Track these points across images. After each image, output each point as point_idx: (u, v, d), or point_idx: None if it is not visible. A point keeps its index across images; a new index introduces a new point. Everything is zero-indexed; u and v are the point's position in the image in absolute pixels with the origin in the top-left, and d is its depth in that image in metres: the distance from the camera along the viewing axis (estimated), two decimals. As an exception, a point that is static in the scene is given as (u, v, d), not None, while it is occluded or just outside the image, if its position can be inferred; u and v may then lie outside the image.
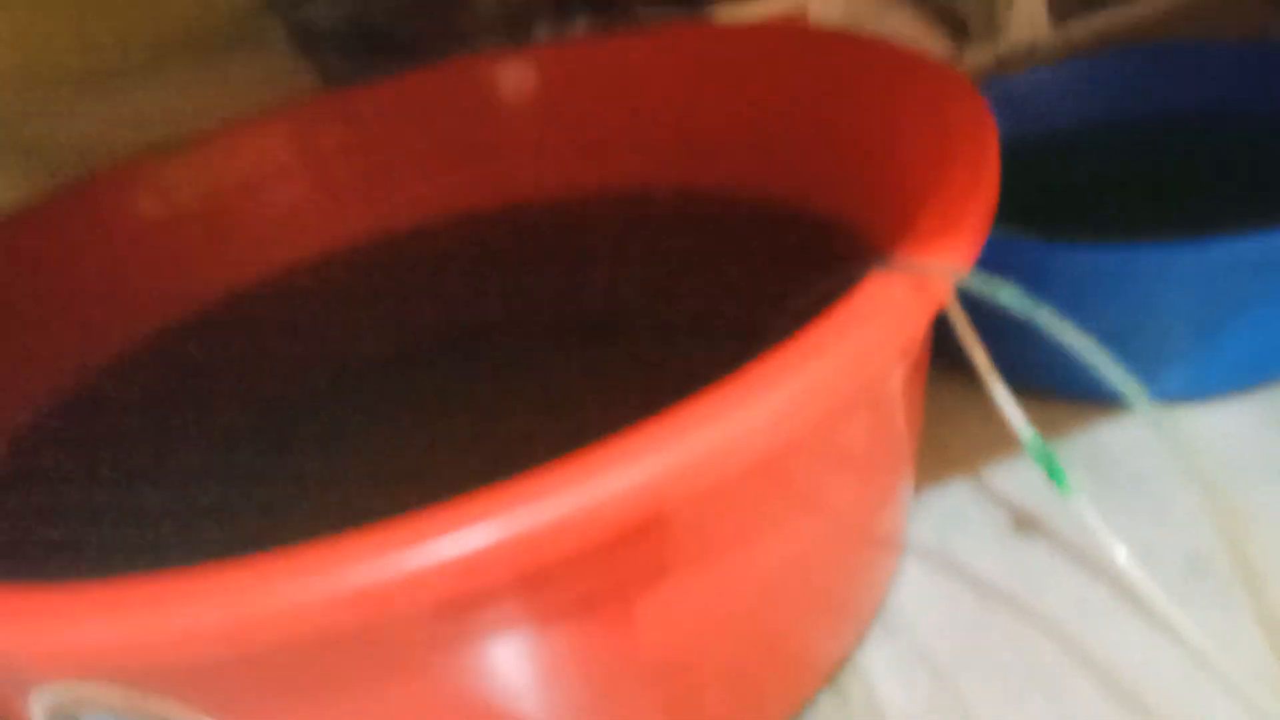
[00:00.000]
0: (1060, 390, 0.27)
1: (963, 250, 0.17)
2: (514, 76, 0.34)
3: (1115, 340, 0.26)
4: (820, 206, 0.28)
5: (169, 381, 0.31)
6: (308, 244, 0.34)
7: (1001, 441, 0.26)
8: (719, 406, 0.15)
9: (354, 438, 0.28)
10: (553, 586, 0.16)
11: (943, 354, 0.22)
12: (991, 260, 0.21)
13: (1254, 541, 0.23)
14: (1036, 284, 0.25)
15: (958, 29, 0.42)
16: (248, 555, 0.14)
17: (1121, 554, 0.21)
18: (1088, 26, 0.44)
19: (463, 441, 0.27)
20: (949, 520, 0.25)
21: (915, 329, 0.17)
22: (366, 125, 0.34)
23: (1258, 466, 0.25)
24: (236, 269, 0.34)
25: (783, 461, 0.18)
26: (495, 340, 0.31)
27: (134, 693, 0.15)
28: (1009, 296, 0.16)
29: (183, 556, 0.15)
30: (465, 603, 0.16)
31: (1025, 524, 0.25)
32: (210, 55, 0.45)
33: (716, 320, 0.29)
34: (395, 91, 0.34)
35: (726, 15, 0.40)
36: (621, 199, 0.33)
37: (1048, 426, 0.27)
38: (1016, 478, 0.26)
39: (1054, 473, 0.21)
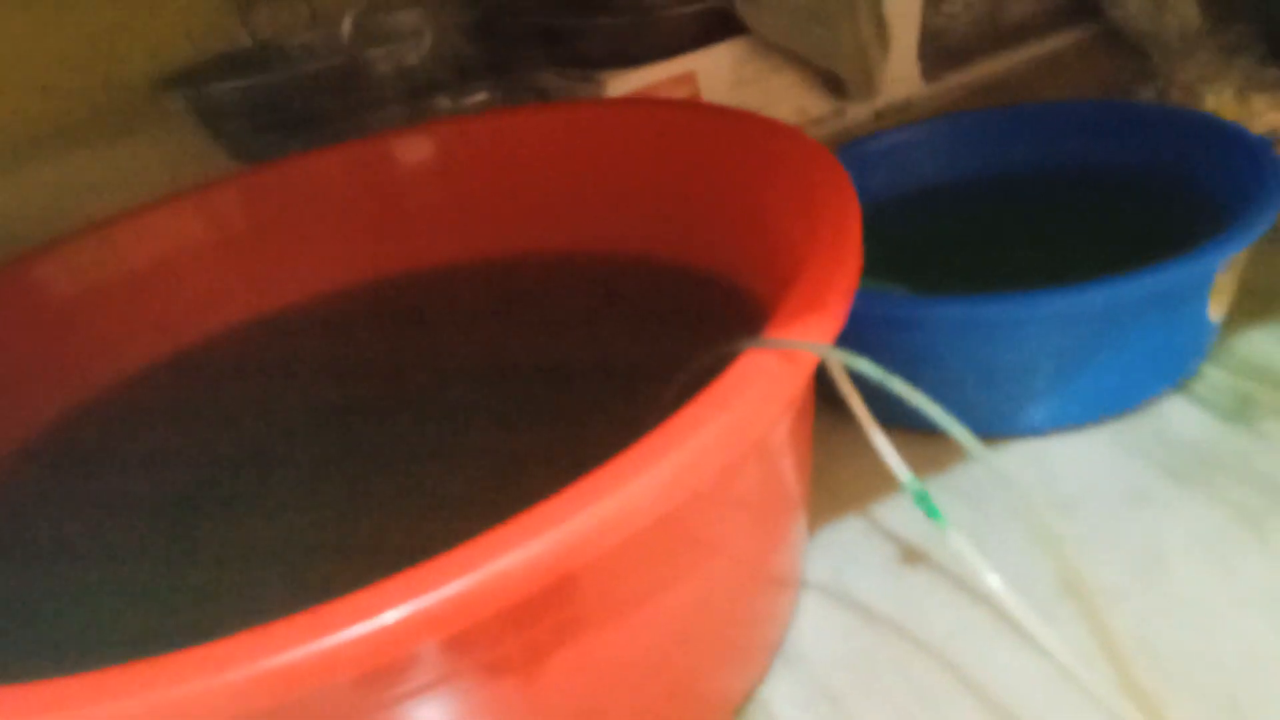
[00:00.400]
0: (939, 427, 0.29)
1: (828, 326, 0.19)
2: (416, 152, 0.35)
3: (983, 380, 0.28)
4: (702, 265, 0.30)
5: (84, 459, 0.32)
6: (222, 317, 0.35)
7: (888, 479, 0.28)
8: (611, 483, 0.16)
9: (275, 505, 0.29)
10: (466, 652, 0.18)
11: (833, 400, 0.24)
12: (867, 312, 0.23)
13: (1102, 561, 0.25)
14: (908, 333, 0.28)
15: (837, 89, 0.45)
16: (174, 648, 0.15)
17: (993, 580, 0.23)
18: (957, 81, 0.48)
19: (381, 499, 0.28)
20: (842, 555, 0.27)
21: (788, 396, 0.19)
22: (275, 202, 0.35)
23: (1112, 490, 0.27)
24: (152, 344, 0.34)
25: (679, 520, 0.19)
26: (395, 405, 0.32)
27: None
28: (866, 366, 0.18)
29: (106, 637, 0.16)
30: (383, 674, 0.17)
31: (912, 556, 0.27)
32: (118, 131, 0.45)
33: (618, 369, 0.30)
34: (303, 169, 0.35)
35: (618, 82, 0.42)
36: (522, 263, 0.34)
37: (931, 462, 0.29)
38: (903, 513, 0.28)
39: (930, 510, 0.23)
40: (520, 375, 0.31)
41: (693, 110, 0.32)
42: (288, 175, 0.35)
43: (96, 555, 0.27)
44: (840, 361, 0.21)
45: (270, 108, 0.44)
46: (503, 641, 0.18)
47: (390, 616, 0.15)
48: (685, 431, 0.17)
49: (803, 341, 0.18)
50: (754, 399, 0.18)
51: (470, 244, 0.35)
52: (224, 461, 0.31)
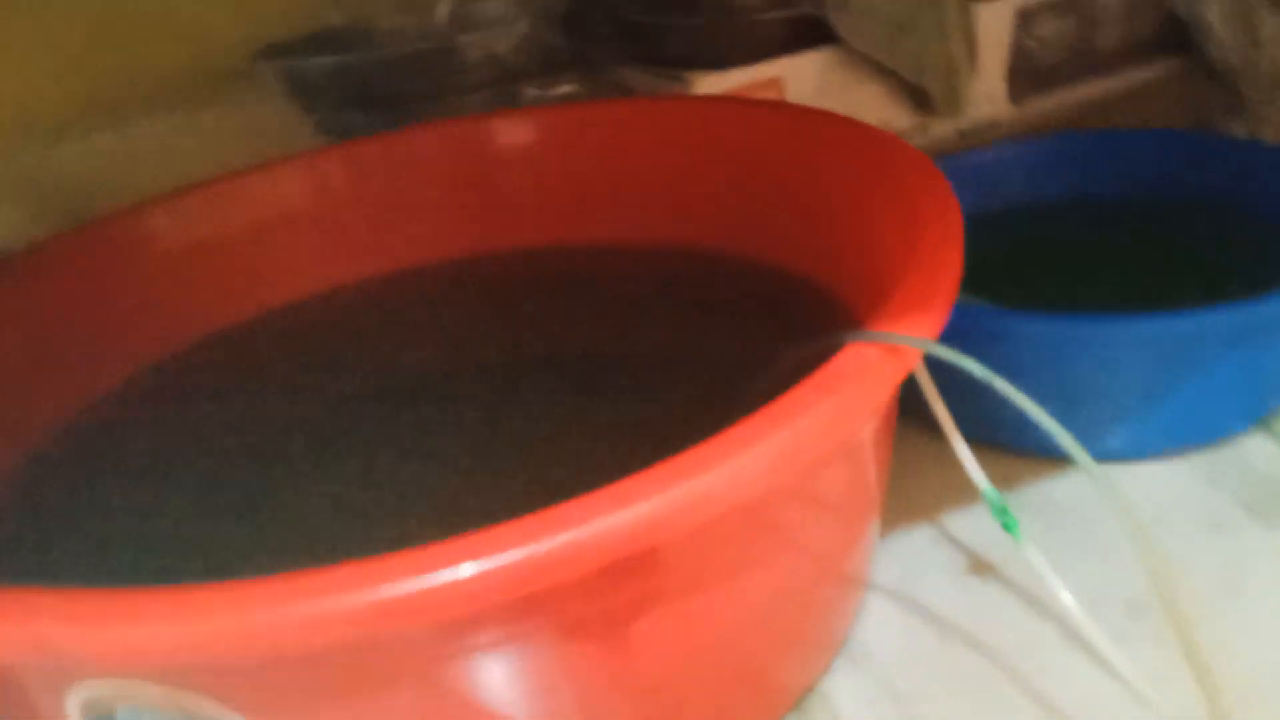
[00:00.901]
0: (1016, 445, 0.29)
1: (932, 323, 0.19)
2: (512, 135, 0.36)
3: (1066, 400, 0.28)
4: (797, 268, 0.31)
5: (167, 413, 0.32)
6: (306, 285, 0.36)
7: (961, 491, 0.29)
8: (707, 459, 0.17)
9: (355, 469, 0.29)
10: (552, 611, 0.18)
11: (910, 410, 0.24)
12: (956, 325, 0.24)
13: (1182, 588, 0.25)
14: (995, 348, 0.28)
15: (923, 103, 0.45)
16: (280, 571, 0.16)
17: (1066, 597, 0.23)
18: (1043, 105, 0.47)
19: (455, 477, 0.28)
20: (911, 561, 0.27)
21: (885, 393, 0.19)
22: (373, 174, 0.36)
23: (1189, 519, 0.27)
24: (244, 302, 0.35)
25: (766, 507, 0.20)
26: (487, 379, 0.32)
27: (169, 689, 0.17)
28: (971, 365, 0.18)
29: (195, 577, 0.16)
30: (470, 623, 0.17)
31: (980, 567, 0.27)
32: (208, 98, 0.46)
33: (706, 366, 0.30)
34: (405, 144, 0.36)
35: (704, 83, 0.42)
36: (611, 253, 0.35)
37: (1004, 478, 0.29)
38: (973, 524, 0.28)
39: (1007, 522, 0.23)
40: (602, 364, 0.32)
41: (792, 111, 0.32)
42: (390, 148, 0.36)
43: (187, 494, 0.28)
44: (933, 363, 0.21)
45: (361, 85, 0.45)
46: (583, 606, 0.19)
47: (469, 569, 0.15)
48: (788, 414, 0.18)
49: (907, 336, 0.19)
50: (858, 389, 0.18)
51: (559, 230, 0.36)
52: (298, 423, 0.31)
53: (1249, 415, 0.30)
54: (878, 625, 0.25)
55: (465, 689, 0.19)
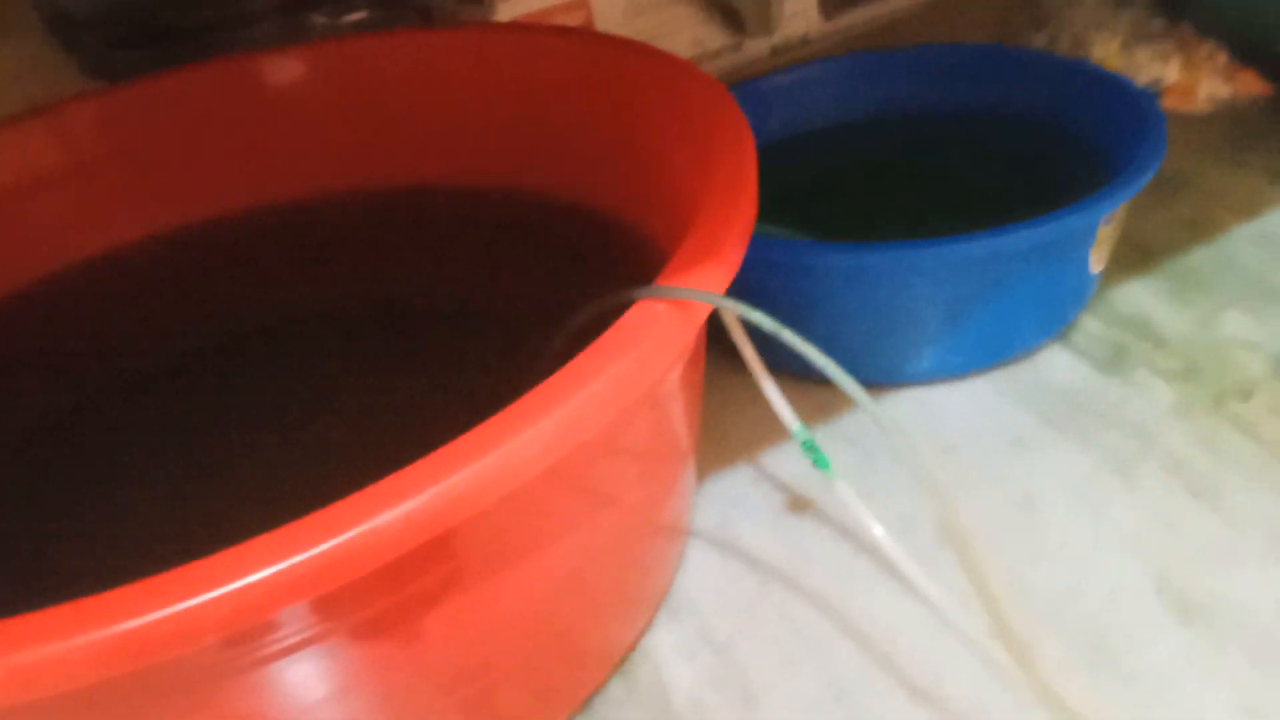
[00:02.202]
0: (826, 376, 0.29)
1: (721, 275, 0.18)
2: (291, 72, 0.33)
3: (870, 327, 0.29)
4: (594, 203, 0.29)
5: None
6: (74, 249, 0.33)
7: (777, 427, 0.28)
8: (496, 437, 0.16)
9: (139, 453, 0.27)
10: (344, 609, 0.17)
11: (724, 348, 0.24)
12: (757, 257, 0.23)
13: (980, 505, 0.26)
14: (797, 279, 0.28)
15: (736, 22, 0.44)
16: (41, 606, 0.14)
17: (877, 529, 0.23)
18: (854, 19, 0.47)
19: (253, 447, 0.27)
20: (730, 504, 0.27)
21: (676, 349, 0.18)
22: (135, 124, 0.33)
23: (994, 436, 0.28)
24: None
25: (565, 473, 0.19)
26: (279, 339, 0.31)
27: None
28: (758, 316, 0.18)
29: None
30: (253, 634, 0.16)
31: (799, 504, 0.27)
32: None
33: (506, 310, 0.29)
34: (167, 88, 0.33)
35: (507, 6, 0.40)
36: (402, 196, 0.33)
37: (819, 410, 0.29)
38: (790, 461, 0.28)
39: (818, 459, 0.23)
40: (400, 314, 0.30)
41: (586, 40, 0.31)
42: (150, 94, 0.33)
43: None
44: (720, 313, 0.20)
45: (130, 20, 0.41)
46: (378, 599, 0.17)
47: (254, 578, 0.14)
48: (573, 384, 0.17)
49: (697, 291, 0.18)
50: (645, 350, 0.17)
51: (347, 175, 0.34)
52: (65, 410, 0.29)
53: (1047, 329, 0.30)
54: (699, 573, 0.25)
55: (260, 700, 0.17)
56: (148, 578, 0.14)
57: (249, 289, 0.33)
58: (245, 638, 0.16)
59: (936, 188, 0.34)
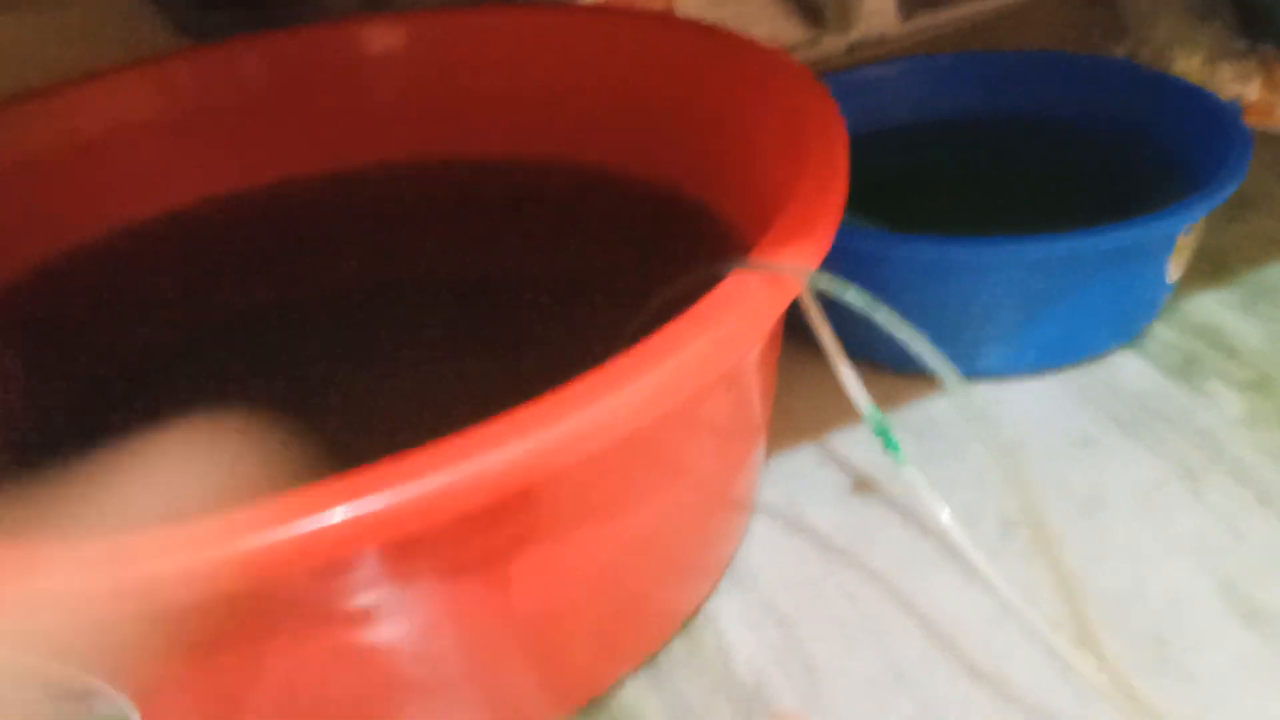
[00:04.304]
0: (899, 365, 0.30)
1: (814, 252, 0.19)
2: (381, 41, 0.34)
3: (946, 320, 0.29)
4: (681, 187, 0.30)
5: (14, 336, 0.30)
6: (163, 199, 0.34)
7: (844, 412, 0.29)
8: (586, 395, 0.16)
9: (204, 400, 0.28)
10: (433, 552, 0.18)
11: (795, 331, 0.24)
12: (840, 246, 0.23)
13: (1050, 504, 0.26)
14: (878, 269, 0.28)
15: (813, 17, 0.44)
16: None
17: (944, 515, 0.24)
18: (933, 21, 0.47)
19: (325, 406, 0.27)
20: (795, 483, 0.27)
21: (767, 323, 0.19)
22: (234, 81, 0.34)
23: (1061, 435, 0.28)
24: (86, 222, 0.33)
25: (648, 440, 0.19)
26: (365, 300, 0.31)
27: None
28: (852, 295, 0.18)
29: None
30: (337, 572, 0.17)
31: (863, 486, 0.27)
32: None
33: (589, 286, 0.30)
34: (261, 49, 0.34)
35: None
36: (488, 168, 0.34)
37: (886, 399, 0.30)
38: (857, 444, 0.28)
39: (889, 443, 0.23)
40: (483, 285, 0.31)
41: (675, 25, 0.31)
42: (244, 54, 0.33)
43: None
44: (814, 290, 0.21)
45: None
46: (462, 547, 0.18)
47: (341, 514, 0.15)
48: (667, 348, 0.17)
49: (791, 266, 0.18)
50: (739, 320, 0.18)
51: (432, 144, 0.34)
52: (148, 351, 0.30)
53: (1120, 334, 0.30)
54: (763, 547, 0.26)
55: (345, 638, 0.18)
56: (270, 499, 0.15)
57: (327, 253, 0.33)
58: (333, 574, 0.17)
59: (1014, 192, 0.35)
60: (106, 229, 0.33)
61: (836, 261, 0.24)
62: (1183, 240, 0.29)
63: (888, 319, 0.18)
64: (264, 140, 0.34)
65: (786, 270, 0.18)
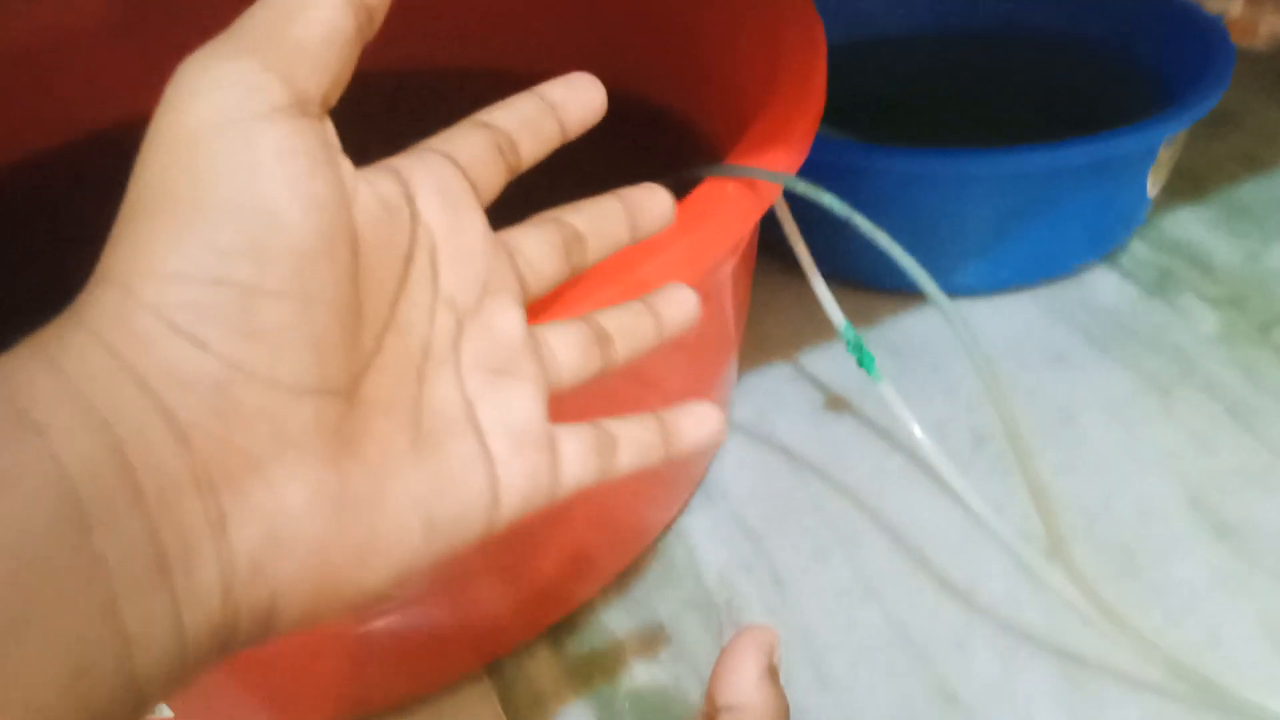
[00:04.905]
0: (873, 282, 0.29)
1: (791, 158, 0.18)
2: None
3: (921, 236, 0.28)
4: (658, 97, 0.29)
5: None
6: (120, 107, 0.33)
7: (819, 328, 0.29)
8: (565, 302, 0.16)
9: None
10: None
11: (770, 249, 0.24)
12: (815, 159, 0.23)
13: (1024, 419, 0.26)
14: (853, 183, 0.28)
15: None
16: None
17: (916, 429, 0.24)
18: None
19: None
20: (767, 399, 0.27)
21: (744, 229, 0.18)
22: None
23: (1035, 350, 0.28)
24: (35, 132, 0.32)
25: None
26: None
27: None
28: (831, 201, 0.18)
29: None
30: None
31: (836, 403, 0.27)
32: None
33: (564, 196, 0.29)
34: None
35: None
36: (468, 76, 0.33)
37: (860, 315, 0.29)
38: (830, 361, 0.28)
39: (863, 359, 0.23)
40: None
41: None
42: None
43: None
44: (792, 200, 0.20)
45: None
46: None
47: None
48: (641, 256, 0.17)
49: (767, 171, 0.18)
50: (716, 225, 0.17)
51: (390, 55, 0.33)
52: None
53: (1098, 249, 0.30)
54: (735, 463, 0.26)
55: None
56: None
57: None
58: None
59: (995, 106, 0.34)
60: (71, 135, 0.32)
61: (812, 174, 0.24)
62: (1163, 154, 0.28)
63: (865, 225, 0.17)
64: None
65: (762, 175, 0.18)
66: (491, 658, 0.22)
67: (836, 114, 0.30)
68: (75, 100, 0.32)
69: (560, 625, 0.22)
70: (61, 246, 0.29)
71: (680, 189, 0.18)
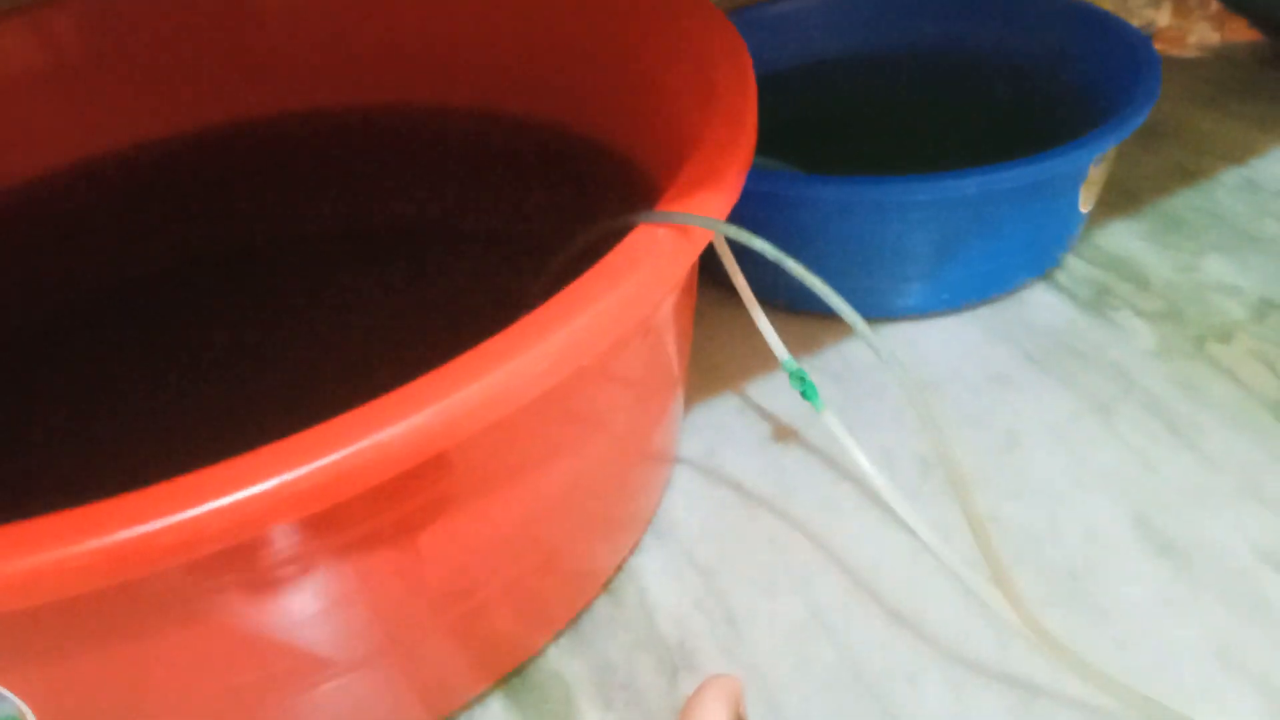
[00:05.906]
0: (818, 308, 0.29)
1: (722, 202, 0.18)
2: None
3: (858, 260, 0.29)
4: (589, 131, 0.29)
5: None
6: (50, 156, 0.32)
7: (765, 358, 0.29)
8: (494, 357, 0.16)
9: (116, 370, 0.27)
10: (338, 526, 0.17)
11: (713, 278, 0.24)
12: (752, 190, 0.23)
13: (968, 443, 0.26)
14: (791, 212, 0.28)
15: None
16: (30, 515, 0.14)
17: (862, 459, 0.24)
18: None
19: (234, 368, 0.26)
20: (716, 434, 0.27)
21: (678, 274, 0.18)
22: (115, 31, 0.32)
23: (976, 371, 0.28)
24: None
25: (561, 398, 0.19)
26: (271, 255, 0.30)
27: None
28: (762, 245, 0.18)
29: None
30: (250, 547, 0.16)
31: (783, 434, 0.27)
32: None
33: (500, 235, 0.29)
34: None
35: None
36: (395, 113, 0.32)
37: (806, 341, 0.29)
38: (777, 391, 0.28)
39: (806, 390, 0.23)
40: (391, 235, 0.30)
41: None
42: (127, 2, 0.31)
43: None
44: (729, 240, 0.20)
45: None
46: (372, 517, 0.17)
47: (251, 492, 0.14)
48: (575, 307, 0.17)
49: (699, 217, 0.18)
50: (647, 276, 0.17)
51: (335, 91, 0.33)
52: (35, 320, 0.28)
53: (1034, 268, 0.31)
54: (685, 498, 0.25)
55: (255, 614, 0.18)
56: (144, 487, 0.14)
57: (222, 207, 0.32)
58: (240, 552, 0.16)
59: (928, 126, 0.34)
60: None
61: (749, 204, 0.24)
62: (1094, 171, 0.29)
63: (796, 268, 0.18)
64: (152, 92, 0.33)
65: (695, 221, 0.18)
66: (446, 712, 0.22)
67: (777, 138, 0.30)
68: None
69: (510, 676, 0.22)
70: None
71: (615, 237, 0.18)
